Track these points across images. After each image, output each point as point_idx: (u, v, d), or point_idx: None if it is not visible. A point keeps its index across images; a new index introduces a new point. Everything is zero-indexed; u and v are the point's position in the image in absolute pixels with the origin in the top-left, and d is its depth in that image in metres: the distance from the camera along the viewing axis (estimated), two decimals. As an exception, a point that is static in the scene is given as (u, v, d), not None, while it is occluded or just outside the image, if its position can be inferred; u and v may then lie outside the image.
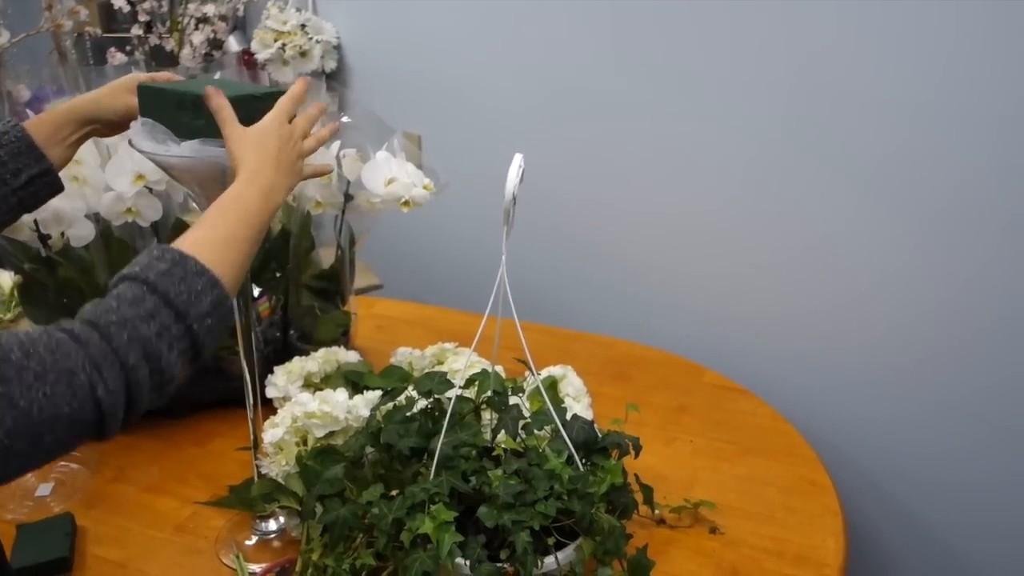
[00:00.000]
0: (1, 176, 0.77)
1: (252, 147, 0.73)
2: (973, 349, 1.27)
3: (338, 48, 1.95)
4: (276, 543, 0.96)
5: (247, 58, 1.95)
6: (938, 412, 1.33)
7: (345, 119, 1.18)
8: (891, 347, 1.35)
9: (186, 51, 1.94)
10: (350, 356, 1.14)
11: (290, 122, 0.77)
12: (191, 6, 1.94)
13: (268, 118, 0.76)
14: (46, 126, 0.81)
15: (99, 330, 0.57)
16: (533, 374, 0.86)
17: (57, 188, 0.83)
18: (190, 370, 0.64)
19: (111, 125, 0.85)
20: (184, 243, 0.65)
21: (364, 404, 0.96)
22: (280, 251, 1.19)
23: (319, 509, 0.84)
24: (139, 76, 0.85)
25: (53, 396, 0.54)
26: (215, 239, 0.66)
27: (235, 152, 0.73)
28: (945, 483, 1.35)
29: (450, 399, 0.84)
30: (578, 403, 1.04)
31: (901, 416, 1.37)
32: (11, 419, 0.52)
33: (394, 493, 0.81)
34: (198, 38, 1.94)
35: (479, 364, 1.02)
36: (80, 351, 0.56)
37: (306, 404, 0.94)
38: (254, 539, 0.96)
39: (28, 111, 1.06)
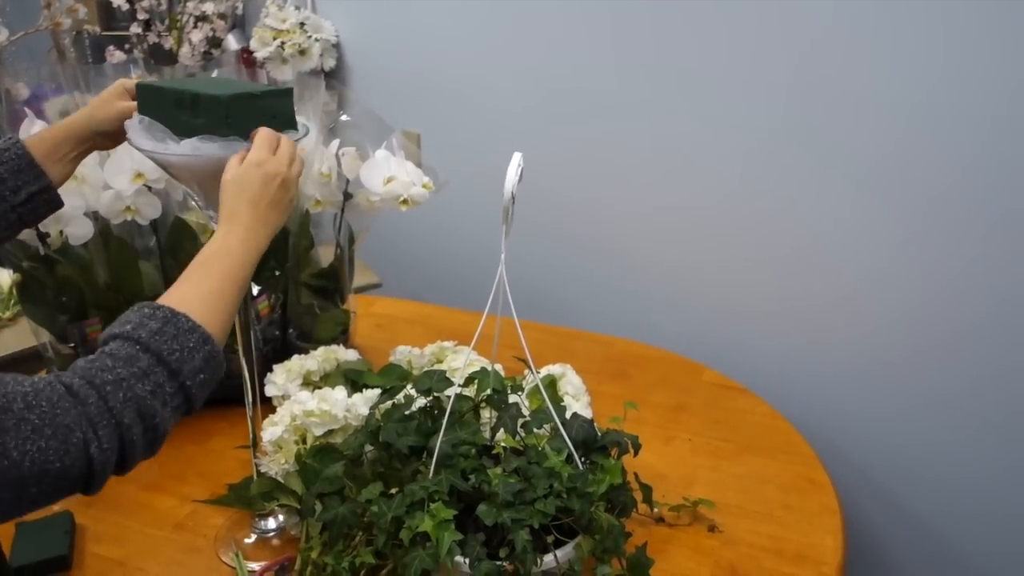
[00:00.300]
0: (1, 193, 0.78)
1: (231, 190, 0.72)
2: (965, 344, 1.28)
3: (337, 46, 1.95)
4: (275, 541, 0.96)
5: (246, 56, 1.95)
6: (930, 407, 1.33)
7: (344, 117, 1.18)
8: (884, 342, 1.36)
9: (185, 49, 1.94)
10: (349, 354, 1.14)
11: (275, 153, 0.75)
12: (190, 4, 1.94)
13: (249, 158, 0.73)
14: (46, 143, 0.81)
15: (96, 389, 0.58)
16: (532, 372, 0.86)
17: (56, 205, 0.83)
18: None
19: (110, 136, 0.85)
20: (171, 300, 0.65)
21: (363, 402, 0.96)
22: (279, 249, 1.19)
23: (318, 507, 0.84)
24: (127, 81, 0.85)
25: (47, 450, 0.54)
26: (201, 294, 0.66)
27: (220, 199, 0.73)
28: (938, 477, 1.36)
29: (449, 397, 0.84)
30: (577, 401, 1.04)
31: (894, 410, 1.37)
32: (0, 469, 0.52)
33: (393, 491, 0.82)
34: (197, 36, 1.94)
35: (478, 362, 1.02)
36: (79, 407, 0.56)
37: (305, 402, 0.94)
38: (253, 537, 0.96)
39: (27, 109, 1.06)
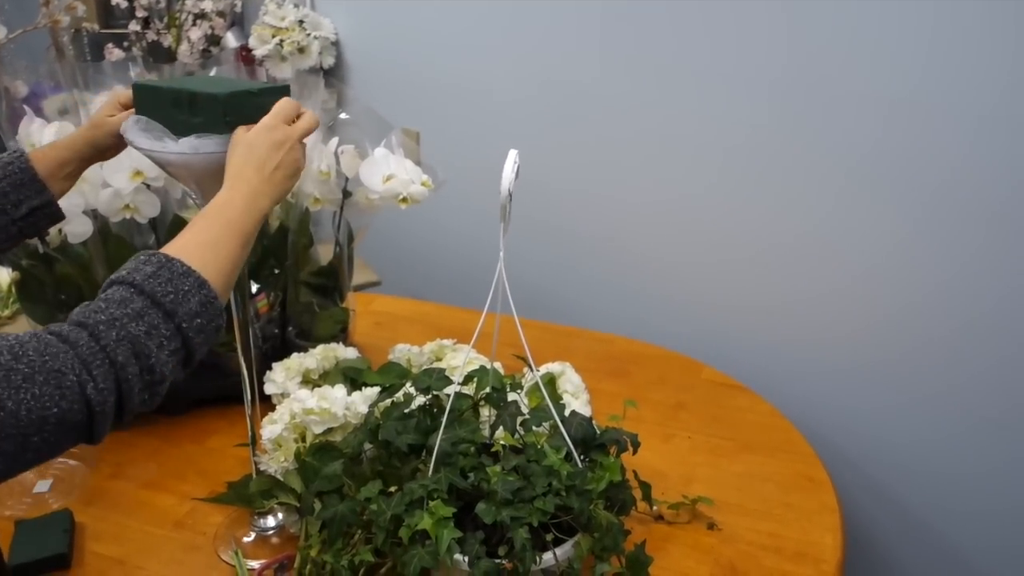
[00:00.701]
0: (2, 206, 0.79)
1: (239, 152, 0.73)
2: (963, 340, 1.28)
3: (336, 44, 1.94)
4: (274, 539, 0.96)
5: (245, 54, 1.95)
6: (929, 403, 1.34)
7: (343, 115, 1.18)
8: (883, 339, 1.36)
9: (184, 47, 1.94)
10: (348, 352, 1.14)
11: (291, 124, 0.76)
12: (189, 2, 1.93)
13: (261, 123, 0.75)
14: (50, 161, 0.82)
15: (87, 329, 0.58)
16: (532, 370, 0.86)
17: (57, 218, 0.84)
18: (182, 373, 0.64)
19: (112, 149, 0.86)
20: (170, 248, 0.66)
21: (362, 401, 0.96)
22: (278, 247, 1.19)
23: (317, 505, 0.84)
24: (121, 95, 0.85)
25: (41, 397, 0.54)
26: (199, 243, 0.67)
27: (228, 155, 0.74)
28: (937, 474, 1.36)
29: (448, 395, 0.84)
30: (576, 399, 1.04)
31: (892, 407, 1.37)
32: None
33: (393, 489, 0.82)
34: (196, 34, 1.93)
35: (477, 360, 1.02)
36: (69, 351, 0.56)
37: (304, 401, 0.94)
38: (252, 535, 0.96)
39: (25, 107, 1.06)
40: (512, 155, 0.75)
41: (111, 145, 0.85)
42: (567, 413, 0.88)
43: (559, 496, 0.77)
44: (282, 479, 0.93)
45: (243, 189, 0.71)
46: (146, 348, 0.60)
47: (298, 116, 0.78)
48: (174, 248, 0.66)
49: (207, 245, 0.67)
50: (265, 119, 0.75)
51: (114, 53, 1.78)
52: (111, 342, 0.58)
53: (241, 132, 0.74)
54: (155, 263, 0.63)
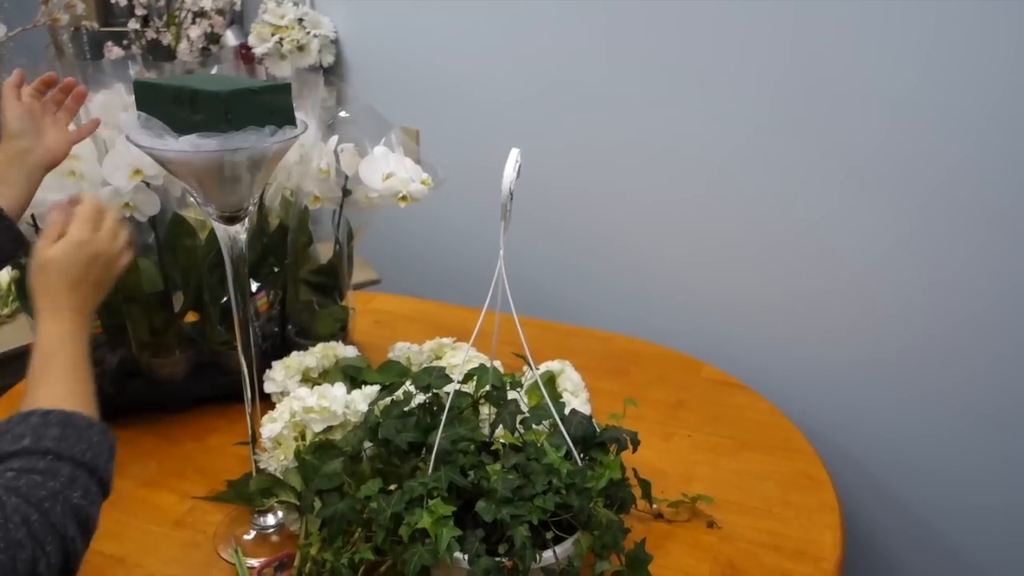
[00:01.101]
0: None
1: (52, 277, 0.70)
2: (963, 338, 1.27)
3: (336, 42, 1.95)
4: (274, 538, 0.96)
5: (244, 52, 1.95)
6: (928, 401, 1.33)
7: (343, 114, 1.18)
8: (883, 337, 1.36)
9: (183, 45, 1.94)
10: (348, 351, 1.14)
11: (97, 229, 0.74)
12: (188, 0, 1.93)
13: (70, 239, 0.71)
14: None
15: (35, 507, 0.58)
16: (531, 369, 0.86)
17: (15, 235, 0.83)
18: None
19: (28, 135, 0.85)
20: (43, 402, 0.65)
21: (362, 399, 0.96)
22: (278, 246, 1.19)
23: (317, 504, 0.84)
24: (14, 79, 0.85)
25: None
26: (70, 392, 0.67)
27: (36, 277, 0.71)
28: (936, 472, 1.36)
29: (448, 394, 0.84)
30: (576, 398, 1.04)
31: (892, 405, 1.37)
32: None
33: (392, 488, 0.82)
34: (195, 32, 1.93)
35: (477, 359, 1.02)
36: (23, 527, 0.57)
37: (304, 399, 0.94)
38: (252, 534, 0.96)
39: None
40: (514, 154, 0.75)
41: (26, 128, 0.83)
42: (567, 411, 0.88)
43: (559, 494, 0.77)
44: (282, 477, 0.93)
45: (68, 324, 0.70)
46: (86, 513, 0.61)
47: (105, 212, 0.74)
48: (49, 400, 0.65)
49: (70, 397, 0.66)
50: (73, 233, 0.71)
51: (113, 51, 1.78)
52: (58, 518, 0.59)
53: (45, 247, 0.71)
54: (56, 422, 0.63)
